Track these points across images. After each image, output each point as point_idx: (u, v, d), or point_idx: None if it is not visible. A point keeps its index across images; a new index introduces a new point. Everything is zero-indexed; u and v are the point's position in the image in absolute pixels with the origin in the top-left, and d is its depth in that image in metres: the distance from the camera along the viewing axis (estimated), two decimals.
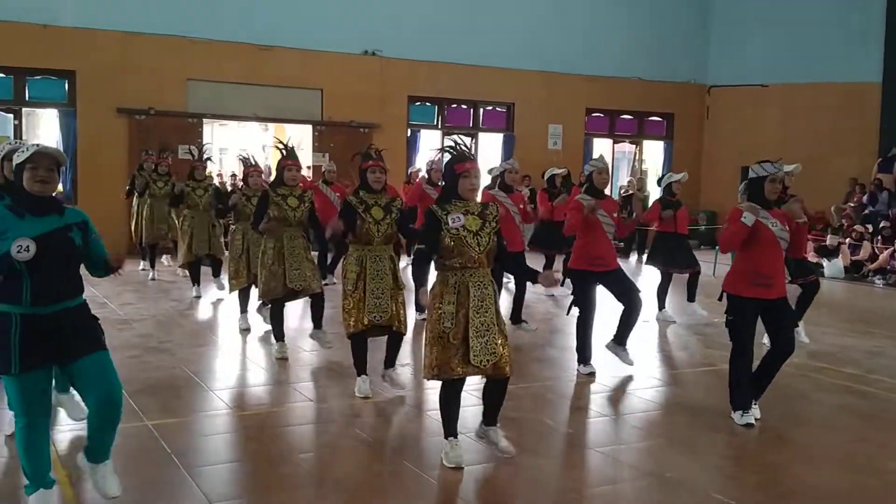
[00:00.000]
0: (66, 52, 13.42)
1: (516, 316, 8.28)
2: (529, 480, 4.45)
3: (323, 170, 11.63)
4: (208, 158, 10.00)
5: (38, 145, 3.51)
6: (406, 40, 15.67)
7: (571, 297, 6.83)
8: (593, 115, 18.39)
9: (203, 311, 9.32)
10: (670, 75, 18.37)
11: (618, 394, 6.25)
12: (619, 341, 6.78)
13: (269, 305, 7.29)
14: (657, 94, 18.33)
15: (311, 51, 15.02)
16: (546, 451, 4.84)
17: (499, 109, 17.60)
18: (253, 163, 8.10)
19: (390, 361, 5.96)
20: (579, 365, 6.67)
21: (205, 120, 14.95)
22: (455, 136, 5.00)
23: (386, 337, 5.88)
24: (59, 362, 3.61)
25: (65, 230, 3.58)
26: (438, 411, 4.55)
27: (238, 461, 4.70)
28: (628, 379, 6.61)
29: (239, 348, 7.54)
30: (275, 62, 14.78)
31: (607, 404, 6.02)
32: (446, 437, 4.53)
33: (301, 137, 16.38)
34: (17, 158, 3.51)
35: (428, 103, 16.86)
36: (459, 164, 4.48)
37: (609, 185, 7.59)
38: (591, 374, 6.57)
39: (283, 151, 6.92)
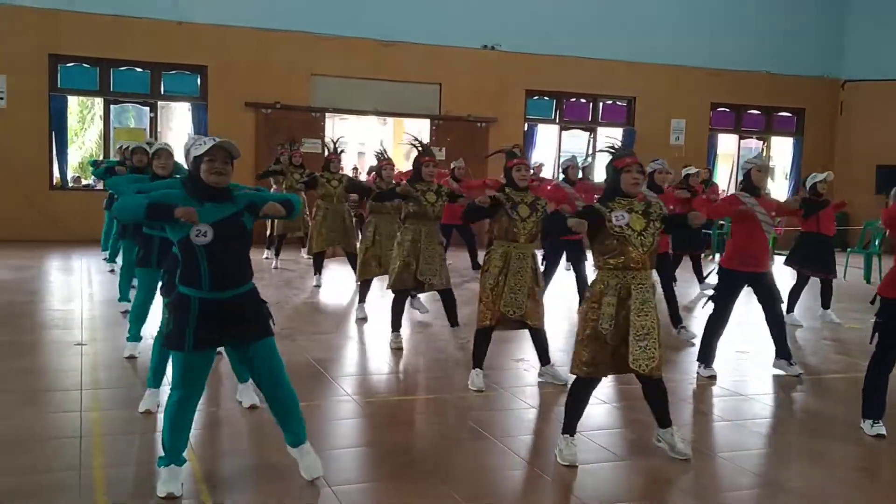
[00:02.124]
0: (200, 49, 14.01)
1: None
2: (646, 482, 4.36)
3: (452, 166, 11.62)
4: (342, 151, 9.96)
5: (216, 139, 3.74)
6: (525, 34, 15.60)
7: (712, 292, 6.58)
8: (718, 109, 17.80)
9: (323, 300, 9.55)
10: (801, 69, 17.58)
11: (740, 398, 6.02)
12: (781, 355, 6.56)
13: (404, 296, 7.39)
14: (787, 88, 17.58)
15: (432, 46, 15.15)
16: (664, 454, 4.71)
17: (619, 104, 17.27)
18: (386, 157, 8.22)
19: (545, 359, 6.01)
20: (700, 366, 6.47)
21: (327, 114, 15.31)
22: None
23: (513, 332, 5.99)
24: (230, 345, 3.88)
25: (238, 216, 3.81)
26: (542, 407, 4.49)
27: (357, 447, 4.78)
28: (750, 383, 6.37)
29: (356, 337, 7.69)
30: (396, 57, 14.99)
31: (729, 409, 5.80)
32: (564, 434, 4.49)
33: (419, 131, 16.62)
34: (196, 151, 3.74)
35: (546, 97, 16.72)
36: (619, 160, 4.41)
37: (737, 182, 7.38)
38: (713, 378, 6.36)
39: (420, 148, 7.06)
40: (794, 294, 8.78)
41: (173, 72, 14.42)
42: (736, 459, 4.69)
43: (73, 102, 16.99)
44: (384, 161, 8.15)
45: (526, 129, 16.42)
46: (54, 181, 13.91)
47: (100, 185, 13.26)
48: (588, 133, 17.21)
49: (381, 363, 6.72)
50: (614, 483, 4.36)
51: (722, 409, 5.77)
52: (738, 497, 4.22)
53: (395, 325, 7.09)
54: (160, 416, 4.99)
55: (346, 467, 4.38)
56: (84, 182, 15.88)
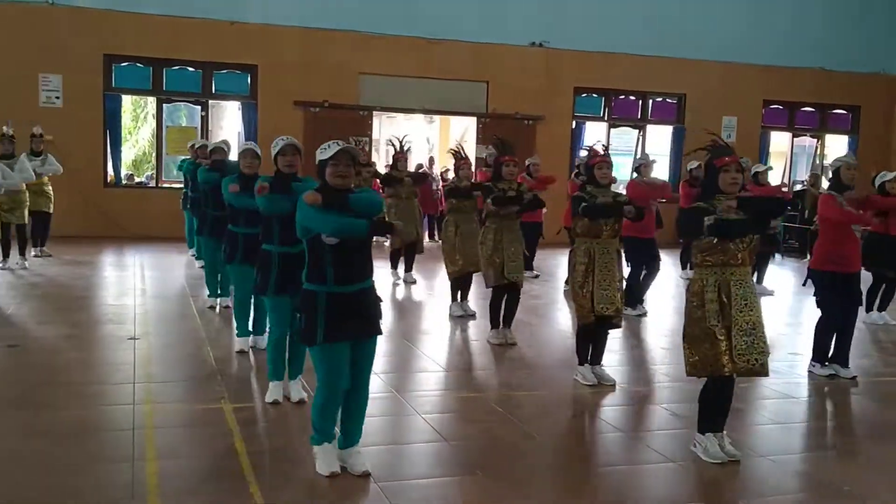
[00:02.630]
0: (250, 48, 14.18)
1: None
2: (696, 484, 4.31)
3: (527, 163, 11.49)
4: (408, 150, 9.86)
5: (340, 143, 3.96)
6: (573, 31, 15.49)
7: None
8: (771, 106, 17.48)
9: (404, 295, 9.61)
10: (856, 65, 17.16)
11: (791, 401, 5.91)
12: (837, 359, 6.46)
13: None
14: (842, 85, 17.19)
15: (480, 43, 15.13)
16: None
17: (669, 101, 17.06)
18: (463, 155, 8.24)
19: (598, 357, 6.04)
20: (815, 365, 6.45)
21: (374, 112, 15.39)
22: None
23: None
24: (357, 337, 4.03)
25: (359, 216, 3.91)
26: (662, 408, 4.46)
27: (437, 441, 4.81)
28: (801, 385, 6.25)
29: (448, 333, 7.77)
30: (443, 55, 15.00)
31: (781, 411, 5.69)
32: (705, 433, 4.52)
33: (465, 129, 16.62)
34: (322, 155, 3.97)
35: (594, 94, 16.59)
36: (719, 159, 4.43)
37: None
38: (832, 377, 6.35)
39: (500, 148, 7.16)
40: (872, 294, 8.68)
41: (224, 71, 14.62)
42: (786, 462, 4.62)
43: (127, 101, 17.33)
44: (462, 160, 8.18)
45: (574, 126, 16.30)
46: (108, 179, 14.20)
47: (173, 184, 13.49)
48: (637, 130, 17.04)
49: (472, 358, 6.86)
50: (664, 484, 4.32)
51: (773, 411, 5.66)
52: (787, 500, 4.15)
53: (493, 321, 7.22)
54: (213, 411, 5.08)
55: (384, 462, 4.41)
56: (137, 180, 16.19)
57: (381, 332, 4.17)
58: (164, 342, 6.85)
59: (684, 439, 4.76)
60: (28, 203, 10.25)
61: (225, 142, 8.69)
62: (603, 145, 6.24)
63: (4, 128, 10.14)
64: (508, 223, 7.04)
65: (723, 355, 4.30)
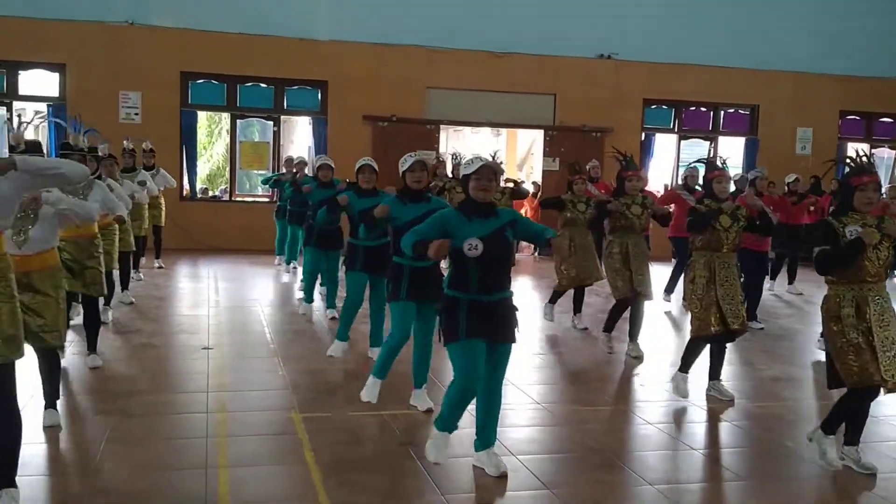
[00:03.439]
0: (320, 64, 14.44)
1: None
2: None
3: (588, 167, 11.42)
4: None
5: (482, 158, 4.14)
6: (642, 42, 15.34)
7: None
8: (848, 117, 16.99)
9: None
10: None
11: (870, 420, 5.70)
12: None
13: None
14: None
15: (547, 56, 15.10)
16: (784, 474, 4.53)
17: (741, 112, 16.74)
18: (578, 169, 8.26)
19: (716, 373, 6.04)
20: None
21: (441, 126, 15.48)
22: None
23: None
24: (491, 340, 4.18)
25: (502, 230, 4.18)
26: (663, 424, 4.40)
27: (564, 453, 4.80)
28: (878, 405, 6.02)
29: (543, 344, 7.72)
30: (510, 69, 15.01)
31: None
32: (848, 446, 4.55)
33: (532, 142, 16.59)
34: (466, 169, 4.19)
35: (664, 106, 16.38)
36: (856, 178, 4.45)
37: None
38: None
39: (623, 162, 7.26)
40: None
41: (295, 87, 14.90)
42: (859, 481, 4.46)
43: (202, 117, 17.78)
44: (577, 175, 8.22)
45: (643, 138, 16.12)
46: (184, 192, 14.59)
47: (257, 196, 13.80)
48: (708, 142, 16.75)
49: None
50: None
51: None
52: None
53: (609, 325, 7.38)
54: (284, 421, 5.16)
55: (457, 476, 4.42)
56: (211, 193, 16.60)
57: (514, 341, 4.30)
58: (236, 352, 7.00)
59: (756, 456, 4.64)
60: (147, 216, 10.63)
61: (329, 158, 8.82)
62: (722, 159, 6.19)
63: (125, 142, 10.51)
64: (634, 237, 7.13)
65: (870, 364, 4.29)
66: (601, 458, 4.73)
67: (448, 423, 4.34)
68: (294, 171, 11.23)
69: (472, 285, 4.12)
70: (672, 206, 9.57)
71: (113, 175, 8.03)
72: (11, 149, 4.60)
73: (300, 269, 10.74)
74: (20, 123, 5.26)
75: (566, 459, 4.78)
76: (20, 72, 13.64)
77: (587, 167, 11.45)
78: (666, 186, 13.49)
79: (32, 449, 4.45)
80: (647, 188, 8.06)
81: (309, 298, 8.71)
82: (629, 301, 7.20)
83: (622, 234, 7.17)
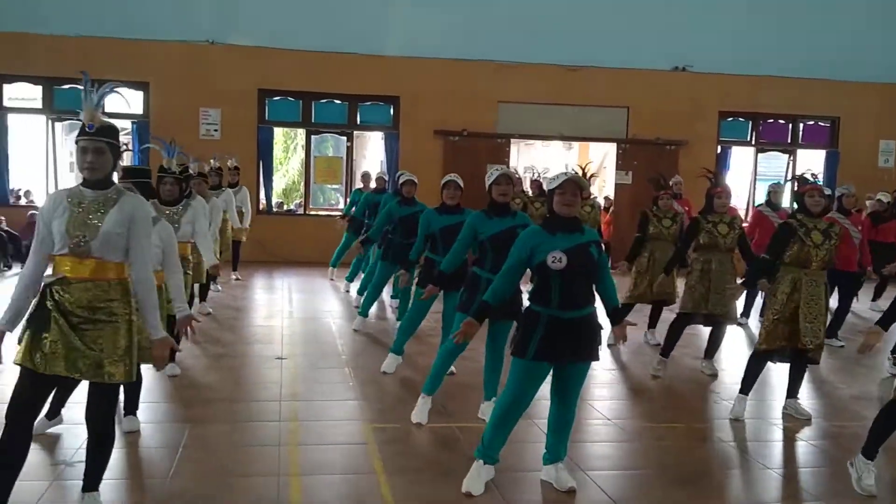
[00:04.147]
0: (393, 80, 14.63)
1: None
2: None
3: (671, 183, 11.22)
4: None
5: (567, 174, 4.16)
6: (718, 54, 15.05)
7: None
8: None
9: None
10: None
11: None
12: None
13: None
14: None
15: (619, 69, 14.99)
16: (860, 495, 4.37)
17: (821, 124, 16.29)
18: (663, 184, 8.20)
19: (794, 391, 5.93)
20: None
21: (512, 140, 15.49)
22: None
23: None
24: (564, 360, 4.16)
25: (586, 245, 4.15)
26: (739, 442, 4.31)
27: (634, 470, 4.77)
28: None
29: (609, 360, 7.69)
30: (582, 82, 14.95)
31: None
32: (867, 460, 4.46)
33: (605, 155, 16.46)
34: (550, 185, 4.18)
35: (741, 118, 16.06)
36: None
37: None
38: None
39: (712, 179, 7.20)
40: None
41: (368, 103, 15.12)
42: None
43: (279, 133, 18.18)
44: (662, 191, 8.17)
45: (719, 151, 15.83)
46: (260, 206, 14.92)
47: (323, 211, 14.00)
48: (787, 155, 16.35)
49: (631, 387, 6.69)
50: None
51: None
52: None
53: (666, 350, 7.16)
54: (354, 430, 5.23)
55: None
56: (286, 207, 16.93)
57: (597, 359, 4.26)
58: (308, 362, 7.11)
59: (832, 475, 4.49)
60: (229, 232, 10.93)
61: (413, 174, 8.82)
62: (812, 173, 6.03)
63: (211, 161, 10.83)
64: (719, 256, 6.95)
65: None
66: (674, 476, 4.65)
67: (489, 449, 4.27)
68: (374, 186, 11.32)
69: (554, 300, 4.09)
70: (757, 229, 9.36)
71: (203, 193, 8.23)
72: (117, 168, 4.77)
73: (353, 286, 10.81)
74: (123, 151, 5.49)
75: (637, 476, 4.71)
76: (108, 96, 14.11)
77: (671, 183, 11.30)
78: (750, 206, 13.13)
79: (114, 454, 4.59)
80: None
81: (365, 312, 8.67)
82: (690, 319, 7.04)
83: (706, 251, 7.00)
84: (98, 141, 3.52)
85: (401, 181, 8.44)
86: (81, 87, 3.68)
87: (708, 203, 7.13)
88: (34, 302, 3.56)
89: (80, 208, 3.51)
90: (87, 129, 3.51)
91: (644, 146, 15.24)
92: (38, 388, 3.51)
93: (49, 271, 3.57)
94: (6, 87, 14.06)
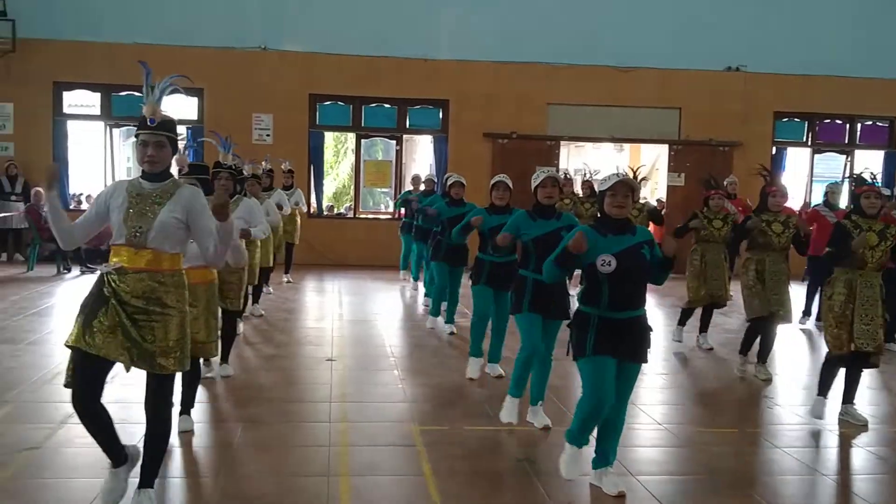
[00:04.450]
0: (442, 83, 14.68)
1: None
2: None
3: (726, 183, 11.10)
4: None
5: (619, 175, 4.15)
6: (773, 54, 14.81)
7: None
8: None
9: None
10: None
11: None
12: None
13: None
14: None
15: (671, 70, 14.83)
16: None
17: (879, 124, 15.90)
18: (714, 184, 8.13)
19: (850, 395, 5.82)
20: None
21: (562, 142, 15.41)
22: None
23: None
24: (619, 357, 4.14)
25: (637, 247, 4.14)
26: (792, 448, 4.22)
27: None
28: None
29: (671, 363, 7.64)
30: (633, 83, 14.82)
31: None
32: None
33: (657, 157, 16.27)
34: (601, 186, 4.19)
35: (796, 119, 15.75)
36: None
37: None
38: None
39: (767, 178, 7.12)
40: None
41: (417, 106, 15.20)
42: None
43: (329, 137, 18.35)
44: (713, 190, 8.07)
45: (774, 152, 15.54)
46: (311, 210, 15.08)
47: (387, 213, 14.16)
48: (844, 156, 15.98)
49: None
50: None
51: None
52: None
53: (744, 350, 7.15)
54: (403, 432, 5.25)
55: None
56: (337, 211, 17.09)
57: (645, 361, 4.25)
58: (358, 364, 7.17)
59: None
60: (280, 234, 11.09)
61: (461, 176, 8.87)
62: (871, 173, 5.88)
63: (263, 162, 11.02)
64: (773, 256, 6.90)
65: None
66: (726, 482, 4.57)
67: (579, 436, 4.30)
68: (423, 188, 11.42)
69: (604, 302, 4.08)
70: (813, 225, 9.18)
71: (256, 194, 8.39)
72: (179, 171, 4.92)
73: (421, 285, 10.92)
74: (185, 148, 5.65)
75: (688, 482, 4.64)
76: (169, 91, 14.44)
77: (725, 183, 11.13)
78: (807, 204, 12.89)
79: (167, 452, 4.69)
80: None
81: (436, 312, 8.83)
82: (765, 320, 6.93)
83: (760, 251, 6.92)
84: (159, 135, 3.64)
85: (449, 183, 8.52)
86: (140, 93, 3.78)
87: (762, 201, 7.05)
88: (90, 289, 3.66)
89: (139, 200, 3.61)
90: (148, 123, 3.61)
91: (697, 147, 15.05)
92: (91, 369, 3.59)
93: (107, 261, 3.67)
94: (66, 94, 14.47)
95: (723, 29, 14.85)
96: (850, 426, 5.64)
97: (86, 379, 3.60)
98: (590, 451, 4.40)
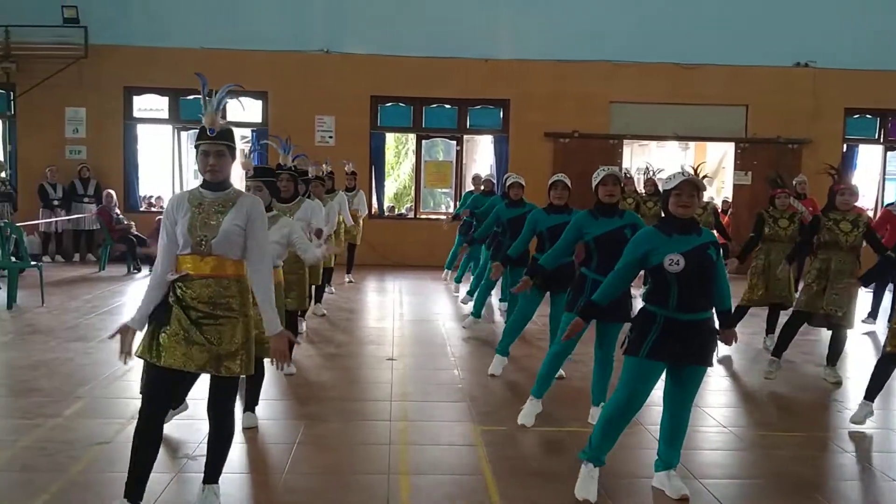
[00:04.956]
0: (503, 83, 14.65)
1: None
2: None
3: (794, 182, 10.80)
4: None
5: (684, 174, 4.10)
6: (844, 49, 14.37)
7: None
8: None
9: None
10: None
11: None
12: None
13: None
14: None
15: (737, 66, 14.53)
16: None
17: None
18: (780, 182, 7.98)
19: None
20: None
21: (625, 141, 15.24)
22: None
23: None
24: (677, 362, 4.09)
25: (703, 248, 4.07)
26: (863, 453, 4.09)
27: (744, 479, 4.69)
28: None
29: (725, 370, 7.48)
30: (698, 80, 14.57)
31: None
32: None
33: (724, 155, 15.96)
34: (667, 185, 4.10)
35: (868, 115, 15.27)
36: None
37: None
38: None
39: (835, 176, 6.97)
40: None
41: (478, 107, 15.19)
42: None
43: (390, 139, 18.47)
44: (778, 189, 7.92)
45: (845, 150, 15.10)
46: (373, 211, 15.21)
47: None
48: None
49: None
50: None
51: None
52: None
53: (779, 350, 6.98)
54: (463, 432, 5.26)
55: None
56: (397, 211, 17.20)
57: (711, 364, 4.18)
58: (418, 364, 7.20)
59: None
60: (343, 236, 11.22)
61: (520, 176, 8.85)
62: None
63: (324, 165, 11.17)
64: (840, 255, 6.74)
65: None
66: (792, 486, 4.47)
67: (597, 450, 4.19)
68: (482, 188, 11.42)
69: (672, 303, 4.01)
70: (886, 227, 8.92)
71: (320, 196, 8.52)
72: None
73: (462, 288, 10.86)
74: (250, 151, 5.77)
75: (754, 486, 4.55)
76: (227, 100, 14.75)
77: (794, 182, 10.86)
78: (879, 206, 12.47)
79: (233, 448, 4.79)
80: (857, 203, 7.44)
81: (477, 313, 8.76)
82: (805, 318, 6.80)
83: (826, 250, 6.78)
84: (219, 144, 3.69)
85: (508, 183, 8.48)
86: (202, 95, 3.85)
87: (830, 200, 6.89)
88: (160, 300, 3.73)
89: (201, 209, 3.68)
90: (208, 133, 3.67)
91: (764, 145, 14.72)
92: (161, 378, 3.69)
93: (173, 269, 3.74)
94: (135, 98, 14.88)
95: (791, 23, 14.48)
96: None
97: (156, 386, 3.71)
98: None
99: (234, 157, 3.79)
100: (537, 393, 5.47)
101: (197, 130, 3.75)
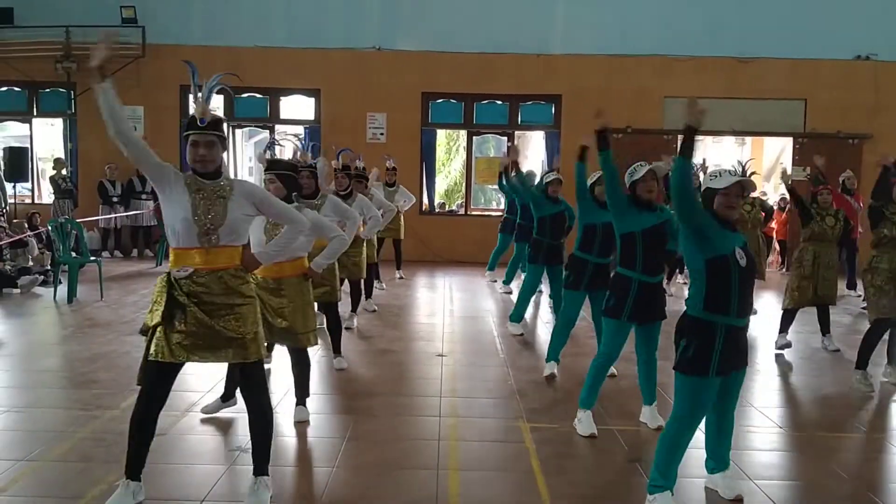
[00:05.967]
0: (555, 78, 14.56)
1: None
2: None
3: (841, 179, 10.47)
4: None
5: (735, 174, 4.02)
6: None
7: None
8: None
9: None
10: None
11: None
12: None
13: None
14: None
15: (796, 59, 14.21)
16: None
17: None
18: (821, 179, 7.80)
19: None
20: None
21: (679, 136, 14.97)
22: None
23: None
24: (737, 368, 3.98)
25: (746, 247, 3.94)
26: None
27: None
28: None
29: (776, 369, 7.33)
30: (755, 74, 14.29)
31: None
32: None
33: (782, 150, 15.64)
34: (714, 183, 3.95)
35: None
36: None
37: None
38: None
39: (892, 169, 6.72)
40: None
41: (529, 102, 15.12)
42: None
43: (441, 135, 18.50)
44: (821, 186, 7.75)
45: None
46: (423, 207, 15.24)
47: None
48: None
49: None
50: None
51: None
52: None
53: (862, 362, 6.51)
54: (512, 429, 5.24)
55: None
56: (448, 208, 17.21)
57: (748, 364, 4.10)
58: (468, 360, 7.20)
59: None
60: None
61: (559, 174, 8.68)
62: None
63: (357, 161, 11.18)
64: None
65: None
66: (850, 489, 4.37)
67: (666, 478, 3.91)
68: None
69: (733, 308, 3.80)
70: None
71: (361, 192, 8.55)
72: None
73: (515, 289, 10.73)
74: (305, 147, 5.84)
75: (809, 487, 4.45)
76: (281, 97, 15.01)
77: (841, 178, 10.60)
78: None
79: (284, 442, 4.87)
80: None
81: (518, 318, 8.45)
82: (888, 324, 6.43)
83: (889, 247, 6.38)
84: (209, 134, 3.73)
85: (547, 181, 8.37)
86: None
87: (886, 192, 6.58)
88: (163, 298, 3.67)
89: (201, 195, 3.71)
90: (198, 124, 3.70)
91: (824, 140, 14.34)
92: (165, 378, 3.75)
93: (175, 266, 3.72)
94: (191, 97, 15.09)
95: (851, 16, 14.12)
96: None
97: (157, 388, 3.75)
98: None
99: (224, 148, 3.83)
100: (586, 404, 5.23)
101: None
